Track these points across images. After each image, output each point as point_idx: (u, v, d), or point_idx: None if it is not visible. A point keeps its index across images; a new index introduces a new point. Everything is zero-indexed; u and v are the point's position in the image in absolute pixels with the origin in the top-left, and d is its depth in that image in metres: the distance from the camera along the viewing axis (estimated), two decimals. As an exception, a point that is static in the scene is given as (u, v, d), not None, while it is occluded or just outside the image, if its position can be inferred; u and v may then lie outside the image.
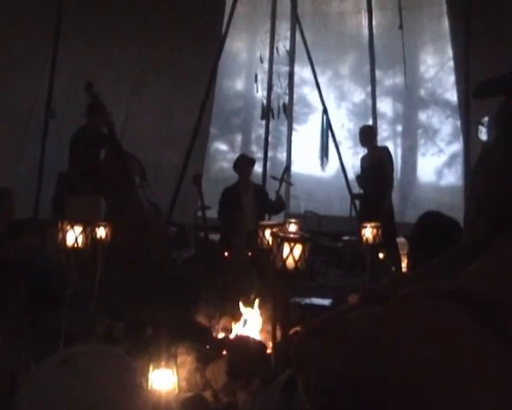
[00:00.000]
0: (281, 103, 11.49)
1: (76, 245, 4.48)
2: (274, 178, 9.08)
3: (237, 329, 4.96)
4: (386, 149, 9.00)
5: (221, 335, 5.05)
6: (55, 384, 1.47)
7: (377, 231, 5.65)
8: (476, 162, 1.15)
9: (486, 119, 1.15)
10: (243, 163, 8.56)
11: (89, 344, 2.27)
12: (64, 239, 4.50)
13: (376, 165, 8.25)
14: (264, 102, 11.65)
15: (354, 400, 0.91)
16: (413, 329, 0.90)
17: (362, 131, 8.83)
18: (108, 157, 7.73)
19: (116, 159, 7.58)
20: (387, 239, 7.17)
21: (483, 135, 1.16)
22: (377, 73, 12.50)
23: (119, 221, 6.62)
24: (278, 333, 4.26)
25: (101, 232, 5.30)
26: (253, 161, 8.82)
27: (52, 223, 5.57)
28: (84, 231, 4.52)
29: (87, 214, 6.20)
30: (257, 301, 5.02)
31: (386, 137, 12.76)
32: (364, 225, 5.79)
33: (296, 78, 12.63)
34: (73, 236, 4.48)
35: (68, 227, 4.49)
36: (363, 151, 9.21)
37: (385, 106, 13.14)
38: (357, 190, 10.71)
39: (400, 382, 0.86)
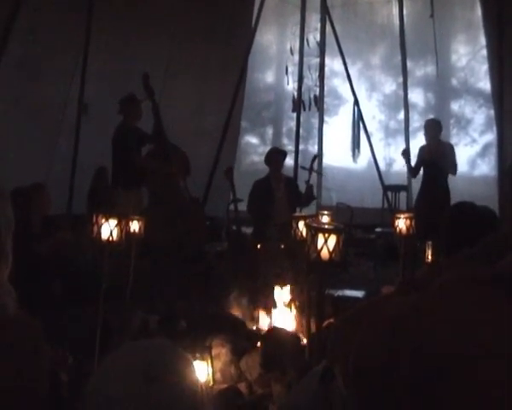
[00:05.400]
0: (311, 95, 11.45)
1: (111, 238, 4.47)
2: (303, 168, 9.03)
3: (270, 320, 4.97)
4: (449, 144, 9.01)
5: (254, 326, 5.07)
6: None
7: (410, 222, 5.61)
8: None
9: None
10: (275, 156, 8.55)
11: (152, 341, 2.17)
12: (98, 233, 4.48)
13: (440, 158, 8.28)
14: (295, 94, 11.64)
15: (390, 382, 0.90)
16: (453, 314, 0.89)
17: (429, 124, 8.79)
18: (153, 149, 7.84)
19: (159, 149, 7.69)
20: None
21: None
22: (408, 64, 12.36)
23: (156, 208, 6.71)
24: (312, 325, 4.26)
25: (134, 226, 5.30)
26: (284, 154, 8.81)
27: (87, 218, 5.58)
28: (118, 225, 4.50)
29: (134, 208, 6.30)
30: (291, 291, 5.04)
31: (418, 127, 12.59)
32: (398, 215, 5.76)
33: (327, 69, 12.57)
34: (108, 229, 4.47)
35: (103, 220, 4.47)
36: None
37: (416, 96, 13.00)
38: (388, 181, 10.68)
39: (437, 366, 0.86)
